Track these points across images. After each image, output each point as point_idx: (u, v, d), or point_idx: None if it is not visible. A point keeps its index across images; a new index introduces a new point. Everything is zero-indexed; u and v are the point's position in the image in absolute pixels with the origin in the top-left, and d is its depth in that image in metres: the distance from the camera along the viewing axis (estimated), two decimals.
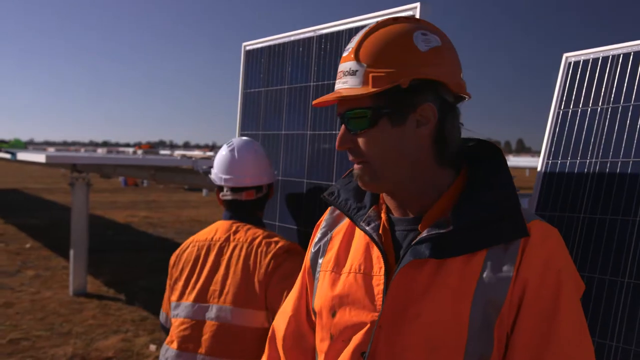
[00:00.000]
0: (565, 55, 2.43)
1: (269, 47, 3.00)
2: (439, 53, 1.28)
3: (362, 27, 2.71)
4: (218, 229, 2.57)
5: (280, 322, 1.56)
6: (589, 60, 2.32)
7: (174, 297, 2.53)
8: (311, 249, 1.52)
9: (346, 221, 1.48)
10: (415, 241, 1.26)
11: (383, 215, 1.36)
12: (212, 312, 2.39)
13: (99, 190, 22.63)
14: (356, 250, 1.39)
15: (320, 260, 1.47)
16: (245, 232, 2.50)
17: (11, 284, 8.04)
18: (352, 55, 1.28)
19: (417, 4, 2.29)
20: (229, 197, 2.59)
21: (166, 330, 2.63)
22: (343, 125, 1.30)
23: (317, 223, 1.55)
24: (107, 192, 23.50)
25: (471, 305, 1.20)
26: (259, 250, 2.41)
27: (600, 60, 2.27)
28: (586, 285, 2.02)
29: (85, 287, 7.70)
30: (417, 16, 2.31)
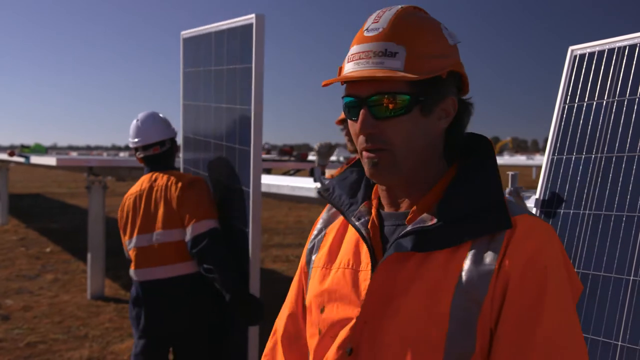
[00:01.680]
0: (571, 48, 2.37)
1: (199, 36, 3.83)
2: (458, 49, 1.29)
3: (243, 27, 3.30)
4: (143, 181, 3.53)
5: (279, 323, 1.55)
6: (594, 53, 2.26)
7: (126, 238, 3.54)
8: (307, 246, 1.51)
9: (341, 218, 1.46)
10: (399, 235, 1.25)
11: (373, 211, 1.35)
12: (152, 238, 3.40)
13: (121, 194, 22.84)
14: (347, 247, 1.37)
15: (313, 257, 1.46)
16: (162, 178, 3.46)
17: (30, 288, 8.11)
18: (388, 36, 1.22)
19: (252, 16, 3.05)
20: (142, 155, 3.55)
21: None
22: (364, 109, 1.23)
23: (315, 221, 1.55)
24: None
25: (452, 300, 1.17)
26: (172, 187, 3.38)
27: (606, 53, 2.22)
28: (591, 284, 1.97)
29: (103, 290, 7.74)
30: (253, 28, 3.05)
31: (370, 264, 1.28)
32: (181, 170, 4.06)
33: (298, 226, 15.16)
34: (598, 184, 2.06)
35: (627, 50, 2.13)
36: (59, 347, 5.79)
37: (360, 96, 1.23)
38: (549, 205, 2.18)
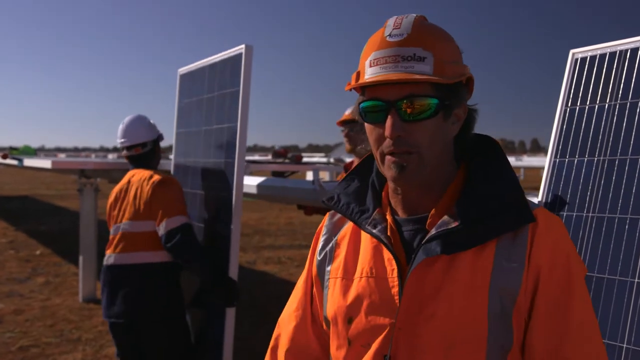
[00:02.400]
0: (572, 51, 2.38)
1: (194, 71, 4.42)
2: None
3: (227, 60, 3.92)
4: (126, 177, 3.96)
5: (284, 334, 1.54)
6: (596, 56, 2.27)
7: (110, 226, 3.94)
8: (316, 256, 1.50)
9: (349, 226, 1.46)
10: (425, 240, 1.26)
11: (389, 217, 1.35)
12: (121, 227, 3.79)
13: None
14: (364, 255, 1.37)
15: (328, 268, 1.45)
16: (139, 174, 3.86)
17: (21, 291, 8.04)
18: (415, 41, 1.24)
19: (243, 46, 3.59)
20: (127, 154, 3.99)
21: None
22: (392, 112, 1.23)
23: (317, 230, 1.54)
24: None
25: (488, 297, 1.21)
26: (144, 183, 3.73)
27: (607, 56, 2.23)
28: (595, 286, 1.98)
29: (95, 293, 7.67)
30: (242, 57, 3.57)
31: (396, 271, 1.29)
32: None
33: (289, 228, 15.15)
34: (601, 186, 2.07)
35: (628, 54, 2.14)
36: (52, 351, 5.75)
37: (389, 99, 1.24)
38: (551, 208, 2.19)
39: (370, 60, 1.26)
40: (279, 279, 9.13)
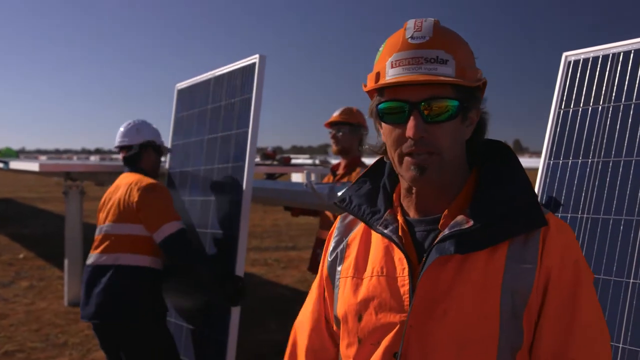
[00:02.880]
0: (564, 54, 2.41)
1: (195, 84, 4.55)
2: None
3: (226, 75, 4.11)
4: (116, 180, 4.01)
5: (301, 338, 1.56)
6: (589, 59, 2.30)
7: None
8: (327, 257, 1.52)
9: (360, 227, 1.48)
10: (438, 239, 1.28)
11: (400, 218, 1.37)
12: (103, 228, 3.80)
13: (98, 198, 22.53)
14: (375, 254, 1.39)
15: (338, 268, 1.47)
16: (127, 177, 3.89)
17: (5, 295, 7.95)
18: (437, 44, 1.26)
19: (257, 56, 3.74)
20: (120, 155, 4.08)
21: None
22: (415, 113, 1.25)
23: (329, 232, 1.56)
24: None
25: (500, 297, 1.23)
26: (132, 188, 3.73)
27: (600, 59, 2.25)
28: None
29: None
30: (256, 66, 3.71)
31: (407, 270, 1.31)
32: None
33: (275, 229, 15.13)
34: (595, 188, 2.09)
35: (621, 57, 2.17)
36: (38, 356, 5.69)
37: (410, 101, 1.25)
38: (545, 209, 2.21)
39: (392, 62, 1.28)
40: (266, 280, 9.12)
